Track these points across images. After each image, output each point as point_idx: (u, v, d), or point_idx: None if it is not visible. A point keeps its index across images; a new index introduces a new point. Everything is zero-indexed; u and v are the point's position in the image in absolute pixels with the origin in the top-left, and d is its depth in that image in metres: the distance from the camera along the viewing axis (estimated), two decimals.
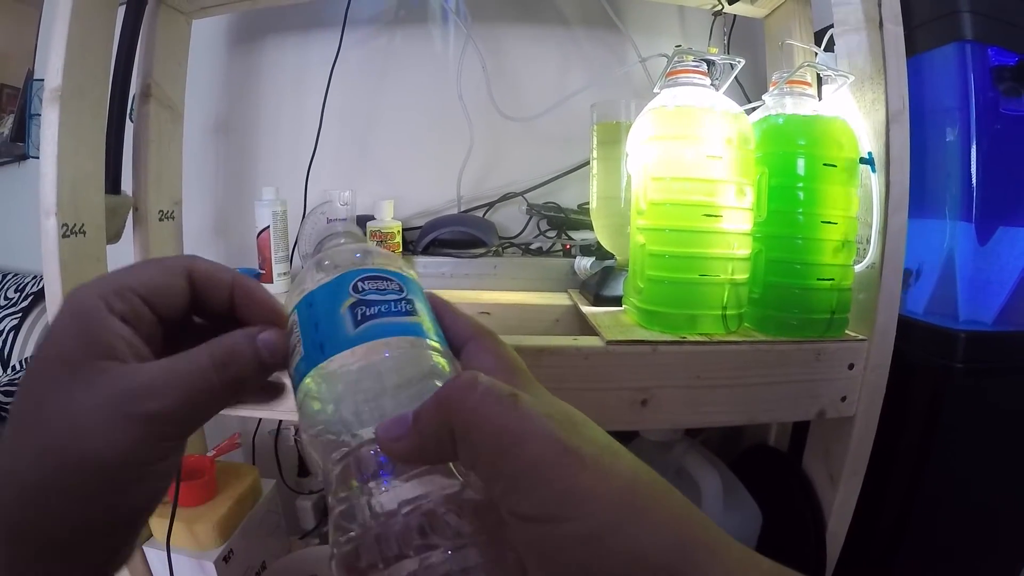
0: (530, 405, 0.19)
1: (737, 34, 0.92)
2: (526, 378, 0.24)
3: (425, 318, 0.25)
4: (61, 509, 0.20)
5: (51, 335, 0.22)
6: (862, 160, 0.55)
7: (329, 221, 0.84)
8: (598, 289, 0.69)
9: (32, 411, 0.21)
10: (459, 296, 0.80)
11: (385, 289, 0.25)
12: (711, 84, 0.55)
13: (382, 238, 0.81)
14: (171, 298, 0.25)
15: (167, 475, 0.23)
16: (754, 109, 0.60)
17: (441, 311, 0.27)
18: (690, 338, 0.52)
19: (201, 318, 0.27)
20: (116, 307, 0.23)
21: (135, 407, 0.21)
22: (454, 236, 0.88)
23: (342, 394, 0.23)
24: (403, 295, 0.25)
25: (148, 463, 0.21)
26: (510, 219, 0.99)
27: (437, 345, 0.25)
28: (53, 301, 0.60)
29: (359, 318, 0.24)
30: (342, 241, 0.30)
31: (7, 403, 0.93)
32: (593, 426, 0.20)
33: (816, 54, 0.65)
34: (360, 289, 0.25)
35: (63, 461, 0.20)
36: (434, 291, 0.28)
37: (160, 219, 0.80)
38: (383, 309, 0.24)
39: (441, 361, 0.24)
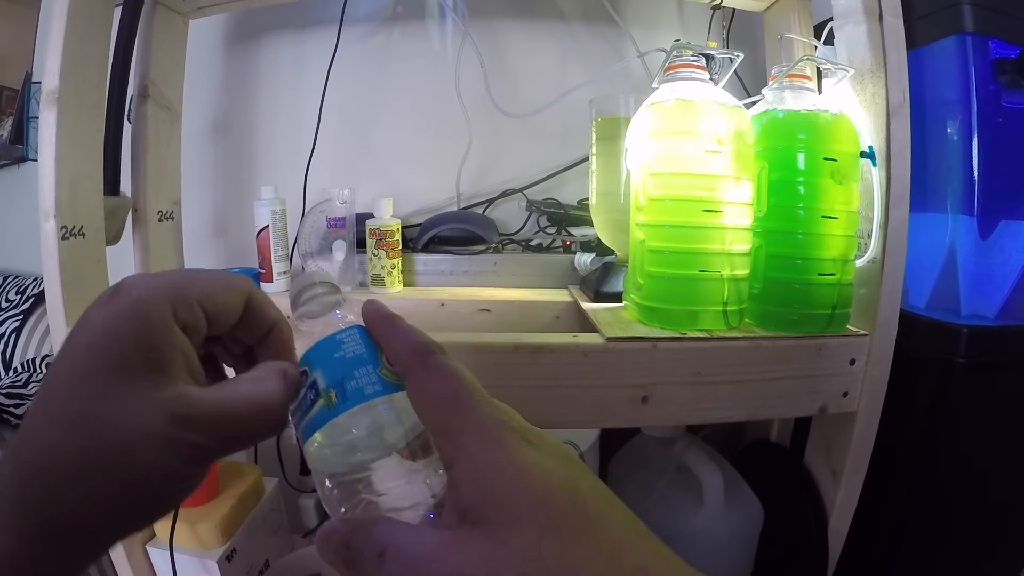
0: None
1: (736, 28, 0.92)
2: (480, 397, 0.22)
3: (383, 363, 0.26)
4: (103, 512, 0.21)
5: (108, 329, 0.22)
6: (862, 154, 0.54)
7: (328, 220, 0.84)
8: (598, 285, 0.69)
9: (78, 413, 0.21)
10: (459, 293, 0.80)
11: (357, 354, 0.26)
12: (710, 78, 0.55)
13: (381, 236, 0.81)
14: (228, 318, 0.25)
15: (199, 480, 0.24)
16: (753, 103, 0.59)
17: (382, 338, 0.26)
18: (691, 334, 0.52)
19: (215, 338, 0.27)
20: (181, 316, 0.23)
21: (184, 435, 0.21)
22: (454, 233, 0.88)
23: (344, 447, 0.25)
24: (369, 350, 0.26)
25: (187, 479, 0.23)
26: (510, 215, 0.98)
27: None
28: (54, 303, 0.60)
29: (342, 388, 0.25)
30: (318, 292, 0.30)
31: (8, 405, 0.93)
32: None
33: (816, 47, 0.65)
34: (333, 358, 0.25)
35: (110, 472, 0.21)
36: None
37: (159, 220, 0.80)
38: (359, 379, 0.25)
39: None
